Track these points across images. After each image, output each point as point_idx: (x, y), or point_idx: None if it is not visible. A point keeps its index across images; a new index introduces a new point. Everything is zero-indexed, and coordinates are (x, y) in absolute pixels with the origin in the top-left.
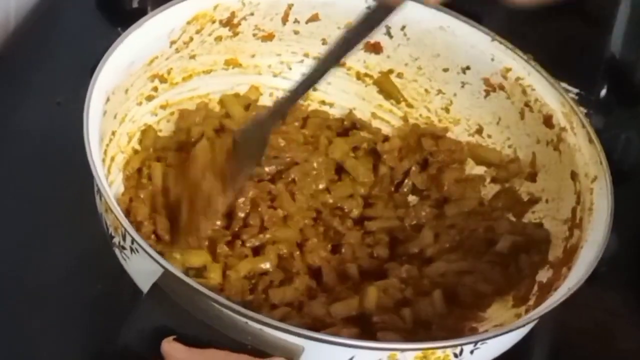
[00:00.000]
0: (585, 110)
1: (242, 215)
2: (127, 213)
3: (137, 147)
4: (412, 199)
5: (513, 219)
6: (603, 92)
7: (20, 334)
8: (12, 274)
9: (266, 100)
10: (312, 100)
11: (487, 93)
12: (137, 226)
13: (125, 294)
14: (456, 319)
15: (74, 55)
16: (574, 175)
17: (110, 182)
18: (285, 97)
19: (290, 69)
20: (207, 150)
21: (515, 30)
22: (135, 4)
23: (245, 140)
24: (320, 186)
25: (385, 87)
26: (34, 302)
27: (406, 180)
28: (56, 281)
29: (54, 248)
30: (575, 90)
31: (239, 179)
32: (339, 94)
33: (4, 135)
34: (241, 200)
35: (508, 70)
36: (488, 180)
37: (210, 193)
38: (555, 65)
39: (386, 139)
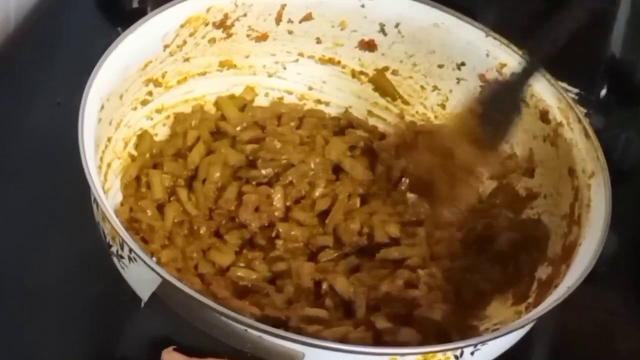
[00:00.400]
0: (585, 110)
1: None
2: (128, 223)
3: (134, 152)
4: (410, 196)
5: (511, 215)
6: (603, 92)
7: (20, 334)
8: (12, 274)
9: (262, 101)
10: (308, 100)
11: (483, 89)
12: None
13: (125, 295)
14: (459, 317)
15: (74, 55)
16: (571, 171)
17: (107, 189)
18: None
19: (285, 68)
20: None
21: (513, 30)
22: (135, 4)
23: (494, 107)
24: (319, 188)
25: (381, 84)
26: (34, 303)
27: (404, 178)
28: (56, 281)
29: (54, 248)
30: (575, 90)
31: (494, 146)
32: (335, 93)
33: (4, 135)
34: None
35: (503, 65)
36: (485, 176)
37: (469, 161)
38: (555, 65)
39: (383, 137)
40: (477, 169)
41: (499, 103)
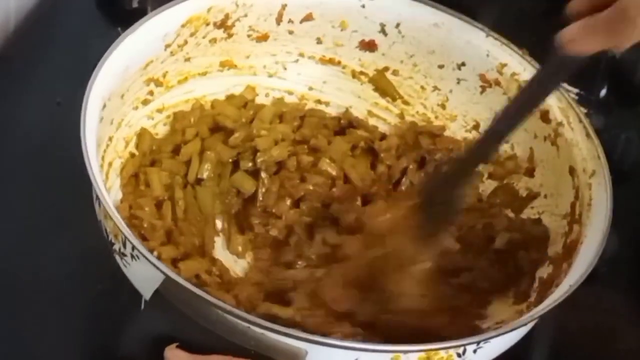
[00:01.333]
0: (585, 110)
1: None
2: (127, 220)
3: (135, 151)
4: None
5: (512, 214)
6: (603, 92)
7: (20, 334)
8: (12, 274)
9: (262, 101)
10: (308, 100)
11: (483, 89)
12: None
13: (125, 294)
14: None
15: (74, 55)
16: (572, 170)
17: (109, 188)
18: (475, 147)
19: (285, 69)
20: (383, 209)
21: (513, 30)
22: (135, 4)
23: (431, 201)
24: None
25: (381, 84)
26: (34, 302)
27: (404, 179)
28: (56, 280)
29: (54, 248)
30: (575, 90)
31: (433, 243)
32: (335, 93)
33: (4, 135)
34: None
35: (504, 65)
36: (485, 176)
37: (407, 257)
38: None
39: (383, 137)
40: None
41: (439, 195)
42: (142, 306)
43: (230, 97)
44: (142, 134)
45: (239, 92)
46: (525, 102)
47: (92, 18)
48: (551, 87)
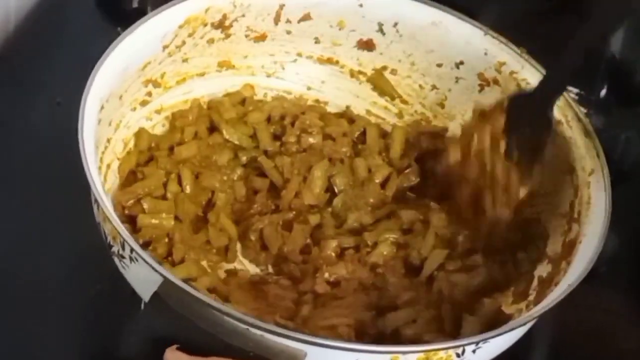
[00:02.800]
0: (585, 110)
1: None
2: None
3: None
4: (409, 196)
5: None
6: (603, 92)
7: (20, 334)
8: (12, 274)
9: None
10: (307, 100)
11: (482, 87)
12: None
13: (125, 294)
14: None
15: (74, 55)
16: (570, 169)
17: (107, 190)
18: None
19: (283, 68)
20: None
21: (512, 30)
22: (135, 4)
23: (520, 124)
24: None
25: (379, 84)
26: (34, 302)
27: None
28: (56, 281)
29: (53, 248)
30: (575, 90)
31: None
32: (333, 92)
33: (4, 135)
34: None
35: (502, 64)
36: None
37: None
38: None
39: (384, 134)
40: (516, 192)
41: (525, 119)
42: (142, 307)
43: (227, 95)
44: (139, 133)
45: (237, 90)
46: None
47: (92, 18)
48: None
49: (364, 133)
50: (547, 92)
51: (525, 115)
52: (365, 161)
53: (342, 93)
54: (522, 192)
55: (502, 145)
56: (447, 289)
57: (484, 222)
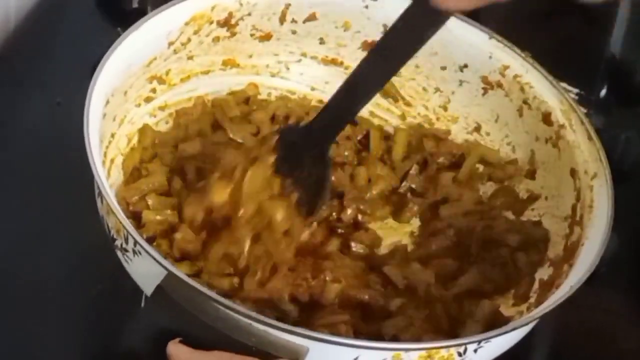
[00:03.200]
0: (585, 110)
1: None
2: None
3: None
4: (410, 199)
5: (512, 216)
6: (603, 92)
7: (20, 334)
8: (12, 274)
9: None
10: (310, 100)
11: (485, 91)
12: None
13: (126, 293)
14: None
15: (74, 55)
16: (573, 173)
17: (111, 184)
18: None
19: (288, 68)
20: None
21: (513, 31)
22: (135, 4)
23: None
24: None
25: None
26: (34, 302)
27: (404, 182)
28: (56, 281)
29: (54, 247)
30: (575, 90)
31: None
32: None
33: (4, 135)
34: None
35: (506, 68)
36: (486, 178)
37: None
38: (555, 65)
39: (387, 136)
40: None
41: (301, 156)
42: (143, 304)
43: (232, 94)
44: (143, 130)
45: (241, 89)
46: (385, 56)
47: (92, 18)
48: (411, 45)
49: (366, 135)
50: (325, 130)
51: (300, 152)
52: (367, 170)
53: None
54: (305, 237)
55: (276, 187)
56: (436, 292)
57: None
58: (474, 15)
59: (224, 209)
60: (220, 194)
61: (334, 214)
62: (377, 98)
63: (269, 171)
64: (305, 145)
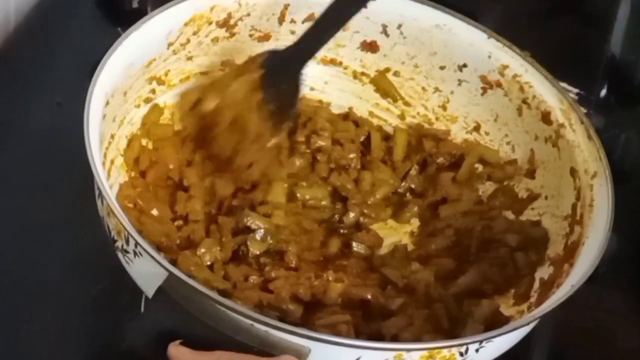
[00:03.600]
0: (585, 110)
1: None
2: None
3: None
4: (410, 199)
5: (512, 216)
6: (603, 92)
7: (20, 334)
8: (12, 274)
9: None
10: (310, 100)
11: (485, 90)
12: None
13: (126, 294)
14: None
15: (74, 55)
16: (573, 172)
17: (111, 185)
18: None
19: None
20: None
21: (513, 30)
22: (135, 4)
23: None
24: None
25: (382, 85)
26: (34, 302)
27: (404, 183)
28: (56, 281)
29: (54, 247)
30: (575, 90)
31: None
32: (336, 94)
33: (4, 135)
34: None
35: (505, 67)
36: (485, 177)
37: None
38: (555, 65)
39: (387, 137)
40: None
41: (280, 76)
42: (142, 306)
43: None
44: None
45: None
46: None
47: (92, 18)
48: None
49: (368, 137)
50: (301, 55)
51: (280, 72)
52: (372, 175)
53: (344, 94)
54: (272, 143)
55: (258, 96)
56: (435, 291)
57: (236, 170)
58: (473, 15)
59: (212, 117)
60: (209, 103)
61: (336, 216)
62: (377, 98)
63: (252, 85)
64: (283, 65)
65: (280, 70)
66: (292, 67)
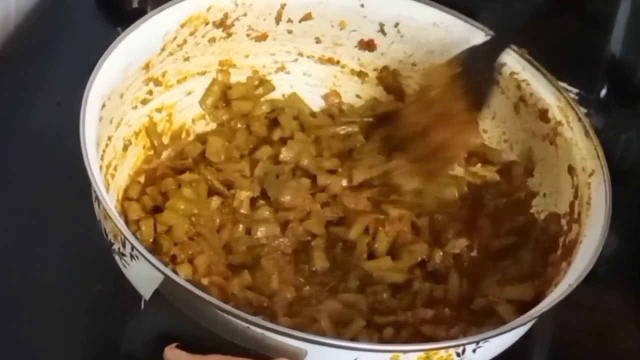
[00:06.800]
0: (585, 110)
1: None
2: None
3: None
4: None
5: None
6: (603, 92)
7: (20, 334)
8: (12, 275)
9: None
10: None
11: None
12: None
13: (125, 294)
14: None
15: (74, 55)
16: (571, 170)
17: (108, 188)
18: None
19: (284, 68)
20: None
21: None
22: (135, 4)
23: (472, 68)
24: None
25: (388, 82)
26: (34, 303)
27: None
28: (56, 281)
29: (53, 248)
30: (575, 90)
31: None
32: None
33: (4, 135)
34: None
35: (502, 65)
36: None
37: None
38: (555, 65)
39: None
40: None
41: (477, 65)
42: (142, 306)
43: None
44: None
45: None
46: None
47: (92, 18)
48: None
49: None
50: (496, 48)
51: (477, 66)
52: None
53: (343, 93)
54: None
55: (458, 90)
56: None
57: (440, 160)
58: (471, 13)
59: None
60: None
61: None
62: (375, 96)
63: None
64: (478, 59)
65: (477, 64)
66: (488, 59)
